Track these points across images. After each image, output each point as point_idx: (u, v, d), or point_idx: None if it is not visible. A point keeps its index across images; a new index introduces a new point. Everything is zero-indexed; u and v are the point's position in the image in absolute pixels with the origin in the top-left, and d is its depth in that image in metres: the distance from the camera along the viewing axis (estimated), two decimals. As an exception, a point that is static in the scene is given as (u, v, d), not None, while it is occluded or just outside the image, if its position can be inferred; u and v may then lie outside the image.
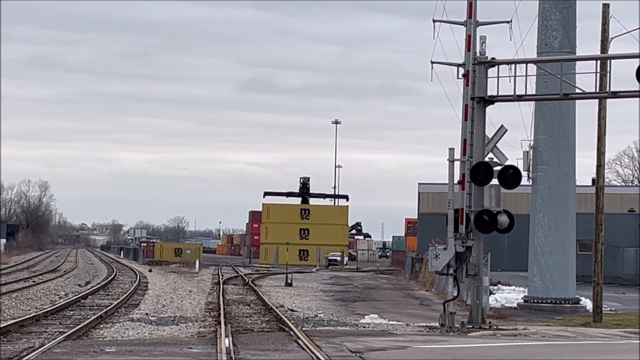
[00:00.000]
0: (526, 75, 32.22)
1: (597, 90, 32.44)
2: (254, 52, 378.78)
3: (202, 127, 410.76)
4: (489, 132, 32.24)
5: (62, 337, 25.55)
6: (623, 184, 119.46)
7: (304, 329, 29.17)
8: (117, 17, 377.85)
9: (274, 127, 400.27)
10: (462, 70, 33.30)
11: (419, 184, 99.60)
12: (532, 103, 39.59)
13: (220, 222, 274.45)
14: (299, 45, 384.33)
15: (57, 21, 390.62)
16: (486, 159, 31.86)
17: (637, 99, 31.96)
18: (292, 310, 38.47)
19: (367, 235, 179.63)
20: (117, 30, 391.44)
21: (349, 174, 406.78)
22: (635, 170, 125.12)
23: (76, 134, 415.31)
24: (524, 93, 32.47)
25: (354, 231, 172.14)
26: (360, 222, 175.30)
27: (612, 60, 32.52)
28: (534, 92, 35.35)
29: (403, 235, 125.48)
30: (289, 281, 60.47)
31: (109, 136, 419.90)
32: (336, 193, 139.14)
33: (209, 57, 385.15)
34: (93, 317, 31.90)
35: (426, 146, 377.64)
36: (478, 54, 32.30)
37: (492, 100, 32.31)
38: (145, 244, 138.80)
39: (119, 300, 40.94)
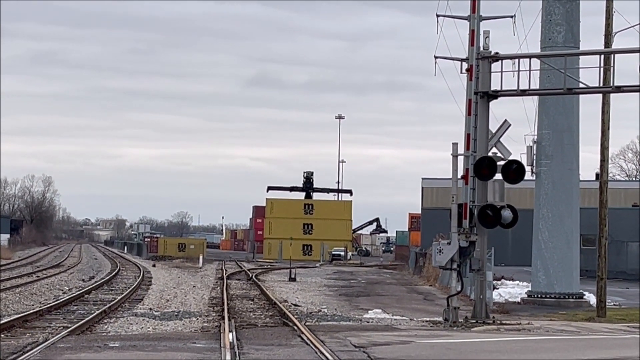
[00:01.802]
0: (530, 70, 32.16)
1: (601, 85, 32.40)
2: (259, 48, 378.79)
3: (206, 122, 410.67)
4: (493, 126, 32.21)
5: (65, 332, 25.57)
6: (627, 178, 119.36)
7: (307, 323, 29.16)
8: (122, 14, 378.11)
9: (278, 122, 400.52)
10: (465, 65, 33.25)
11: (423, 179, 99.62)
12: (536, 98, 39.52)
13: (222, 217, 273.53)
14: (304, 41, 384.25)
15: (62, 18, 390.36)
16: (490, 154, 31.82)
17: (641, 93, 31.91)
18: (295, 305, 38.49)
19: (383, 231, 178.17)
20: (122, 27, 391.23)
21: (353, 170, 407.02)
22: (639, 165, 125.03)
23: (80, 130, 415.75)
24: (527, 88, 32.40)
25: (373, 226, 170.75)
26: (378, 218, 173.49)
27: (616, 55, 32.50)
28: (537, 87, 35.27)
29: (407, 230, 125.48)
30: (293, 276, 60.49)
31: (113, 132, 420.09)
32: (340, 188, 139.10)
33: (213, 53, 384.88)
34: (97, 312, 31.95)
35: (430, 141, 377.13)
36: (482, 49, 32.27)
37: (495, 95, 32.27)
38: (148, 239, 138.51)
39: (123, 295, 40.98)
